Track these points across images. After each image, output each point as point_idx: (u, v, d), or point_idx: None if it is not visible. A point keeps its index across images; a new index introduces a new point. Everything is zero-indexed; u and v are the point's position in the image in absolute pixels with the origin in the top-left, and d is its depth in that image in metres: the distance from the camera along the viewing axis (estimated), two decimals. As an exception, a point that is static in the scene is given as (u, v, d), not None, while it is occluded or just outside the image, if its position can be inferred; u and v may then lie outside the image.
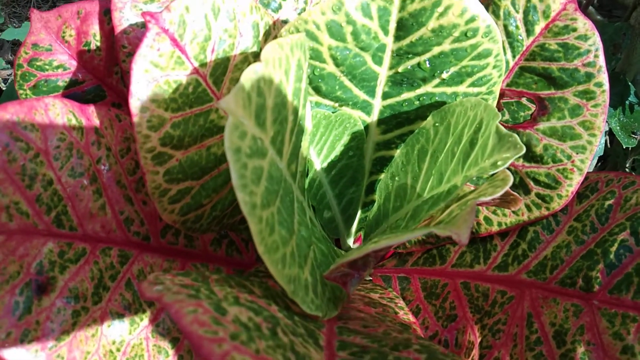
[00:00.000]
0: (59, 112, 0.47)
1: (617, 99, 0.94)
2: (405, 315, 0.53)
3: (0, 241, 0.42)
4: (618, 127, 0.90)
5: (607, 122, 0.92)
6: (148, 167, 0.46)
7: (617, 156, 0.99)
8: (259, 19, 0.51)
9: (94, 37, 0.60)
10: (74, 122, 0.48)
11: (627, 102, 0.93)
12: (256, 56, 0.52)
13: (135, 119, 0.44)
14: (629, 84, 0.95)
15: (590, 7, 1.29)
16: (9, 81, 1.84)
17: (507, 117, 0.59)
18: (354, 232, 0.69)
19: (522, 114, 0.58)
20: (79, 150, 0.48)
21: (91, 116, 0.50)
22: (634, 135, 0.90)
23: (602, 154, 1.02)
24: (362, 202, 0.67)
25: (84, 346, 0.44)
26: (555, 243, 0.54)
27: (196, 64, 0.47)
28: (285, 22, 0.62)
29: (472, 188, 0.58)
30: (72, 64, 0.60)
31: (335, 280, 0.43)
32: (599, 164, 1.09)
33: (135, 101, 0.44)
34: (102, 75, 0.61)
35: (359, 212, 0.67)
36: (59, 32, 0.59)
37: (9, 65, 1.97)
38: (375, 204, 0.65)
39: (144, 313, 0.49)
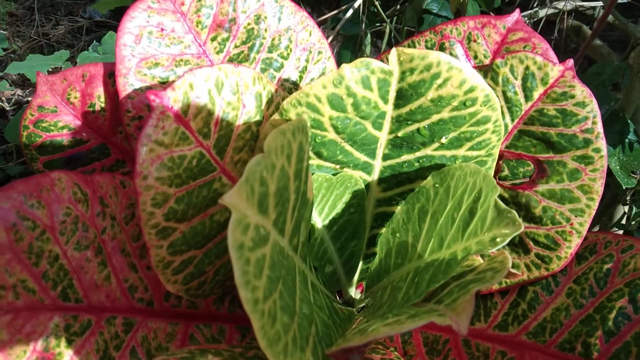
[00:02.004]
0: (64, 186, 0.48)
1: (617, 137, 0.94)
2: (407, 378, 0.54)
3: (7, 320, 0.43)
4: (618, 167, 0.91)
5: (607, 161, 0.93)
6: (152, 242, 0.47)
7: (617, 187, 1.00)
8: (261, 89, 0.52)
9: (99, 98, 0.60)
10: (79, 195, 0.49)
11: (626, 141, 0.94)
12: (259, 124, 0.53)
13: (140, 198, 0.45)
14: (628, 121, 0.96)
15: (597, 40, 1.30)
16: (13, 106, 1.86)
17: (506, 172, 0.60)
18: (355, 282, 0.70)
19: (521, 169, 0.58)
20: (84, 223, 0.48)
21: (96, 186, 0.50)
22: (633, 175, 0.91)
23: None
24: (364, 254, 0.67)
25: (89, 420, 0.45)
26: (555, 305, 0.55)
27: (200, 138, 0.48)
28: (287, 80, 0.63)
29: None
30: (77, 124, 0.61)
31: (337, 357, 0.44)
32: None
33: (141, 181, 0.44)
34: (107, 134, 0.62)
35: (361, 263, 0.68)
36: (64, 94, 0.59)
37: (12, 88, 1.98)
38: (377, 257, 0.65)
39: (148, 381, 0.50)
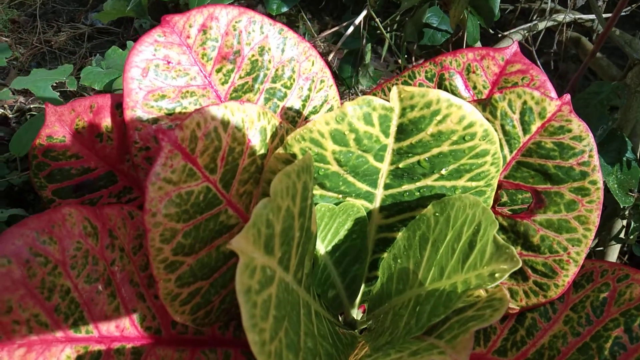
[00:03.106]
0: (75, 221, 0.49)
1: (615, 156, 0.95)
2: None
3: (21, 354, 0.44)
4: (616, 185, 0.92)
5: (604, 179, 0.94)
6: (160, 276, 0.48)
7: (615, 201, 1.01)
8: (266, 123, 0.53)
9: (106, 129, 0.62)
10: (89, 228, 0.50)
11: (624, 159, 0.95)
12: (263, 157, 0.54)
13: (149, 234, 0.46)
14: (626, 139, 0.97)
15: (599, 53, 1.31)
16: (16, 113, 1.87)
17: (505, 199, 0.61)
18: (357, 304, 0.71)
19: (520, 196, 0.60)
20: (94, 257, 0.50)
21: (105, 219, 0.52)
22: (631, 193, 0.92)
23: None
24: (366, 277, 0.69)
25: None
26: (552, 332, 0.56)
27: (207, 173, 0.49)
28: (290, 109, 0.65)
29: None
30: (85, 153, 0.62)
31: (340, 389, 0.45)
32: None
33: (149, 218, 0.46)
34: (114, 162, 0.64)
35: (363, 286, 0.69)
36: (72, 125, 0.61)
37: (15, 96, 1.99)
38: (379, 280, 0.67)
39: (156, 408, 0.51)
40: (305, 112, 0.66)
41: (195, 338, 0.58)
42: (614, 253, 1.33)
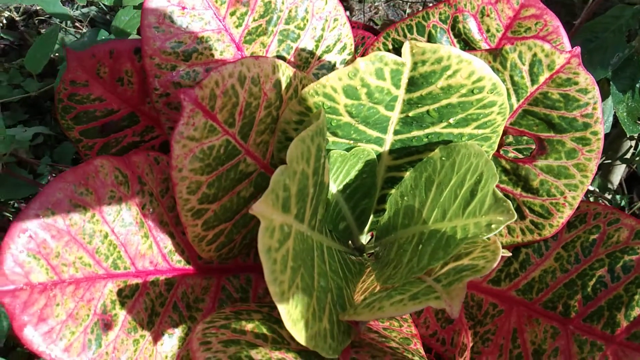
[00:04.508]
0: (107, 171, 0.53)
1: (628, 83, 0.95)
2: (409, 328, 0.63)
3: (71, 290, 0.51)
4: (625, 114, 0.93)
5: (614, 107, 0.95)
6: (188, 222, 0.53)
7: (620, 137, 1.03)
8: (280, 75, 0.55)
9: (126, 73, 0.64)
10: (120, 178, 0.55)
11: (637, 86, 0.95)
12: (278, 108, 0.57)
13: (177, 188, 0.50)
14: (642, 65, 0.96)
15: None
16: (22, 15, 1.86)
17: (510, 139, 0.64)
18: (366, 231, 0.77)
19: (524, 138, 0.62)
20: (127, 203, 0.55)
21: (134, 167, 0.56)
22: (639, 122, 0.93)
23: (607, 131, 1.05)
24: (374, 209, 0.74)
25: (144, 365, 0.54)
26: (543, 267, 0.62)
27: (226, 127, 0.52)
28: (303, 50, 0.66)
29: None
30: (108, 96, 0.65)
31: (349, 321, 0.52)
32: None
33: (176, 173, 0.50)
34: (136, 103, 0.66)
35: (371, 217, 0.75)
36: (94, 70, 0.63)
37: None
38: (386, 213, 0.72)
39: (189, 330, 0.59)
40: (319, 52, 0.67)
41: (220, 267, 0.64)
42: (619, 172, 1.37)
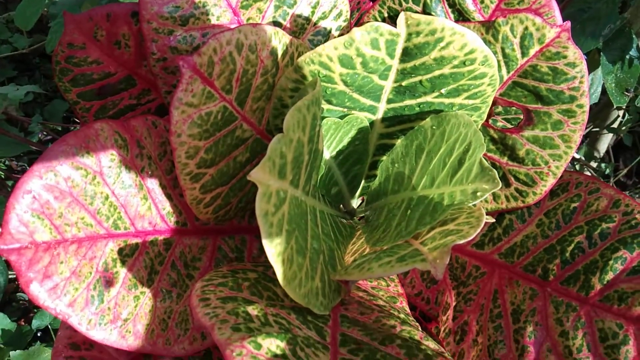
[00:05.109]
0: (107, 135, 0.55)
1: (618, 54, 0.97)
2: (395, 287, 0.66)
3: (74, 249, 0.53)
4: (613, 84, 0.95)
5: (603, 78, 0.97)
6: (187, 186, 0.55)
7: (608, 106, 1.05)
8: (277, 43, 0.56)
9: (123, 36, 0.64)
10: (120, 141, 0.56)
11: (627, 57, 0.96)
12: (274, 76, 0.58)
13: (176, 152, 0.52)
14: (633, 36, 0.97)
15: None
16: None
17: (500, 109, 0.66)
18: (357, 196, 0.79)
19: (513, 108, 0.64)
20: (126, 166, 0.56)
21: (132, 131, 0.57)
22: (627, 93, 0.95)
23: (596, 101, 1.07)
24: (366, 175, 0.76)
25: (144, 320, 0.57)
26: (525, 232, 0.65)
27: (223, 94, 0.54)
28: (299, 16, 0.67)
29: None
30: (105, 59, 0.65)
31: (339, 280, 0.55)
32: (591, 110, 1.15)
33: (175, 138, 0.51)
34: (132, 67, 0.67)
35: (363, 182, 0.77)
36: (91, 33, 0.63)
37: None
38: (377, 179, 0.74)
39: (187, 287, 0.62)
40: (314, 19, 0.68)
41: (216, 228, 0.67)
42: (606, 140, 1.40)
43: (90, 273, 0.54)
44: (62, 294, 0.52)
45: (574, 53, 0.56)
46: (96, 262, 0.54)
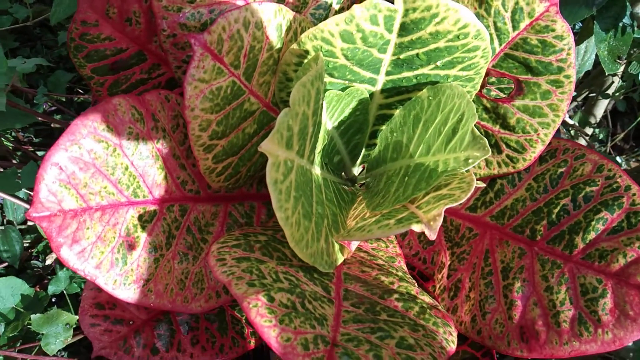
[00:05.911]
0: (124, 110, 0.59)
1: (611, 22, 0.99)
2: (394, 248, 0.71)
3: (98, 216, 0.58)
4: (606, 52, 0.98)
5: (596, 46, 1.00)
6: (200, 156, 0.59)
7: (603, 73, 1.08)
8: (281, 19, 0.59)
9: (134, 14, 0.67)
10: (136, 115, 0.60)
11: (620, 25, 0.99)
12: (279, 51, 0.61)
13: (190, 125, 0.56)
14: (627, 4, 0.99)
15: None
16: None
17: (493, 79, 0.70)
18: (358, 164, 0.84)
19: (505, 79, 0.68)
20: (143, 138, 0.60)
21: (147, 105, 0.61)
22: (619, 60, 0.98)
23: (590, 68, 1.10)
24: (366, 144, 0.80)
25: (163, 280, 0.63)
26: (515, 196, 0.69)
27: (232, 69, 0.57)
28: (301, -9, 0.69)
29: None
30: (117, 35, 0.69)
31: (342, 242, 0.60)
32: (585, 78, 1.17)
33: (189, 112, 0.55)
34: (143, 42, 0.70)
35: (363, 150, 0.81)
36: (103, 10, 0.66)
37: None
38: (377, 147, 0.78)
39: (202, 250, 0.67)
40: (316, -6, 0.70)
41: (227, 195, 0.71)
42: (602, 106, 1.43)
43: (114, 238, 0.59)
44: (90, 257, 0.57)
45: (562, 26, 0.60)
46: (119, 228, 0.59)
